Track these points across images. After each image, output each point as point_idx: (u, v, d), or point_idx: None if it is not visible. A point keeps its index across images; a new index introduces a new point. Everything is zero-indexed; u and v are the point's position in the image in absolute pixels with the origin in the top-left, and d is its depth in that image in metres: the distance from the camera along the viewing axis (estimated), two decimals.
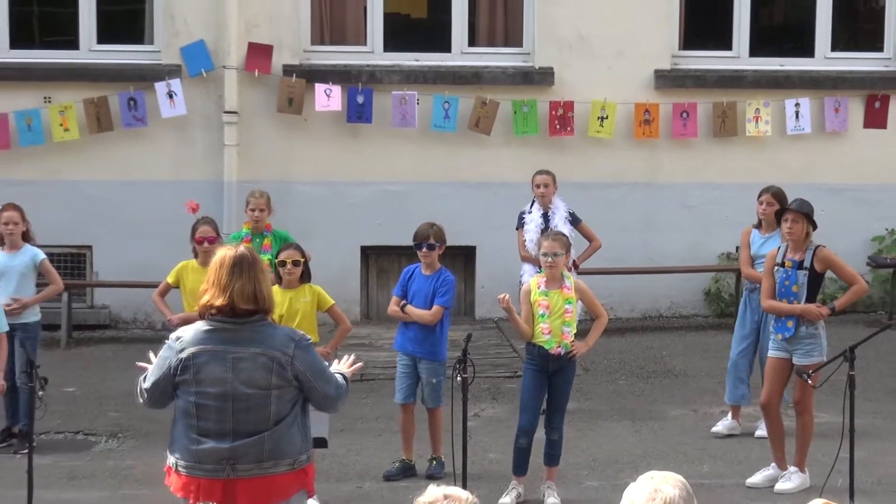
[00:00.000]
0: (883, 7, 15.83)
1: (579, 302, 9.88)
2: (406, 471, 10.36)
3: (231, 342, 6.37)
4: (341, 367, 6.84)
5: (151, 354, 6.66)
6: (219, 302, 6.37)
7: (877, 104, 15.54)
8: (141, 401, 6.61)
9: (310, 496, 6.77)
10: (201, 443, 6.37)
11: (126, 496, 9.97)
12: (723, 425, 11.46)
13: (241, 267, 6.41)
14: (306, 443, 6.53)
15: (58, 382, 11.52)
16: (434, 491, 4.44)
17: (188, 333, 6.45)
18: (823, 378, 9.60)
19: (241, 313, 6.38)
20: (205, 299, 6.44)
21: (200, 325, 6.45)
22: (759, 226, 11.44)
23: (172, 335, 6.53)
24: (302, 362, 6.40)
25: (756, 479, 10.20)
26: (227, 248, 6.55)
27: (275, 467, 6.39)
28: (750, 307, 11.41)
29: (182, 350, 6.39)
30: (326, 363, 6.67)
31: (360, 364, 7.00)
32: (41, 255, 11.35)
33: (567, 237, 10.32)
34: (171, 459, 6.51)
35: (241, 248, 6.55)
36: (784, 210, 10.21)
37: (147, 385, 6.50)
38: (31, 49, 15.31)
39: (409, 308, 10.32)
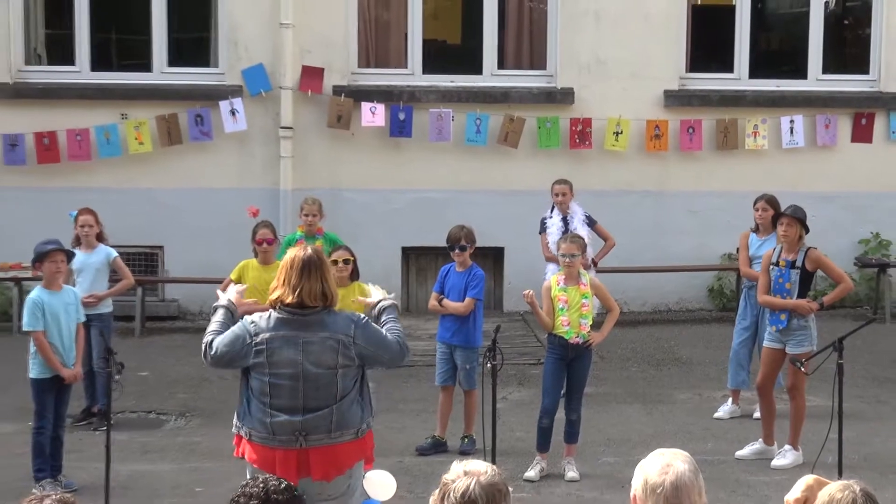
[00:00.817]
0: (869, 34, 15.74)
1: (595, 297, 9.88)
2: (437, 446, 10.36)
3: (301, 328, 6.40)
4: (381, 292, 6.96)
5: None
6: (289, 300, 6.41)
7: (863, 121, 15.45)
8: (205, 360, 6.62)
9: (369, 463, 6.76)
10: (275, 416, 6.40)
11: (193, 468, 10.02)
12: (724, 410, 11.42)
13: (310, 268, 6.43)
14: (365, 413, 6.57)
15: (132, 367, 11.60)
16: (456, 468, 4.42)
17: (262, 321, 6.47)
18: (815, 366, 9.59)
19: (309, 307, 6.43)
20: (275, 295, 6.47)
21: (273, 315, 6.48)
22: (756, 230, 11.39)
23: (247, 318, 6.54)
24: (362, 339, 6.47)
25: (744, 451, 10.22)
26: (298, 250, 6.56)
27: (341, 437, 6.44)
28: (749, 302, 11.37)
29: (257, 334, 6.42)
30: (381, 329, 6.65)
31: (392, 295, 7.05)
32: (114, 253, 11.40)
33: (583, 239, 10.33)
34: (243, 430, 6.52)
35: (310, 251, 6.54)
36: (780, 215, 10.19)
37: (214, 352, 6.51)
38: (109, 71, 15.36)
39: (446, 302, 10.37)
